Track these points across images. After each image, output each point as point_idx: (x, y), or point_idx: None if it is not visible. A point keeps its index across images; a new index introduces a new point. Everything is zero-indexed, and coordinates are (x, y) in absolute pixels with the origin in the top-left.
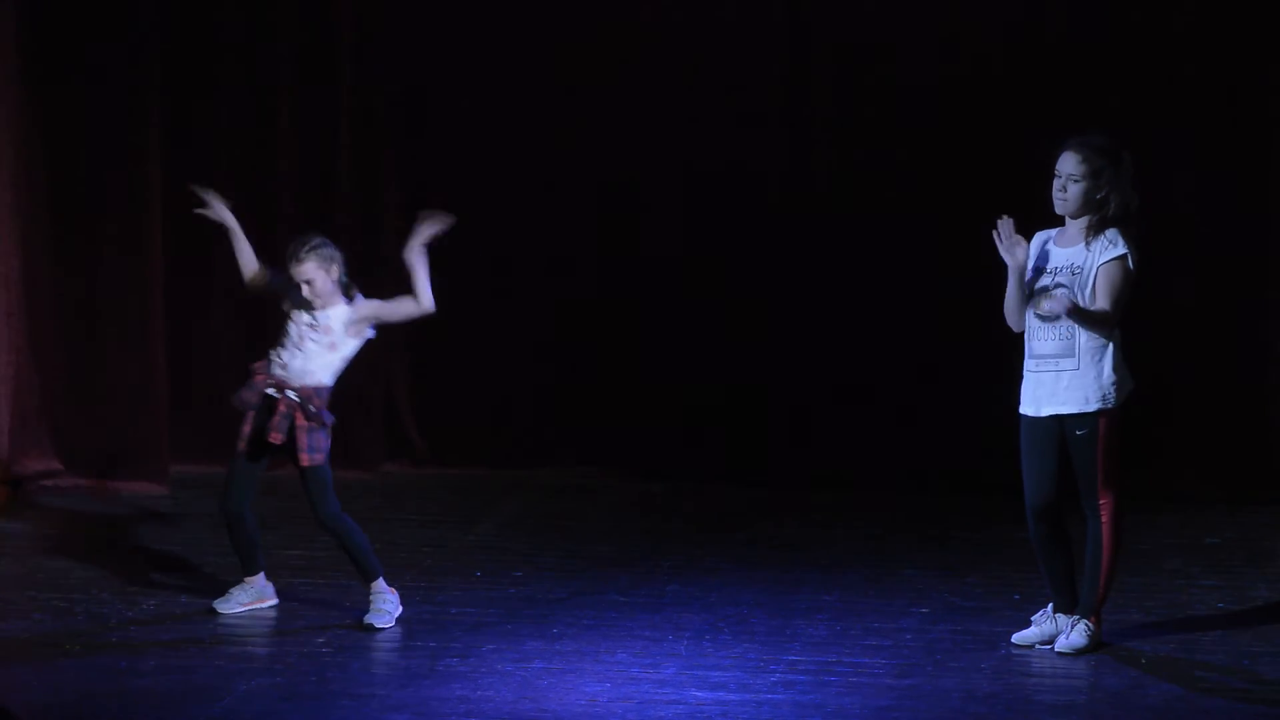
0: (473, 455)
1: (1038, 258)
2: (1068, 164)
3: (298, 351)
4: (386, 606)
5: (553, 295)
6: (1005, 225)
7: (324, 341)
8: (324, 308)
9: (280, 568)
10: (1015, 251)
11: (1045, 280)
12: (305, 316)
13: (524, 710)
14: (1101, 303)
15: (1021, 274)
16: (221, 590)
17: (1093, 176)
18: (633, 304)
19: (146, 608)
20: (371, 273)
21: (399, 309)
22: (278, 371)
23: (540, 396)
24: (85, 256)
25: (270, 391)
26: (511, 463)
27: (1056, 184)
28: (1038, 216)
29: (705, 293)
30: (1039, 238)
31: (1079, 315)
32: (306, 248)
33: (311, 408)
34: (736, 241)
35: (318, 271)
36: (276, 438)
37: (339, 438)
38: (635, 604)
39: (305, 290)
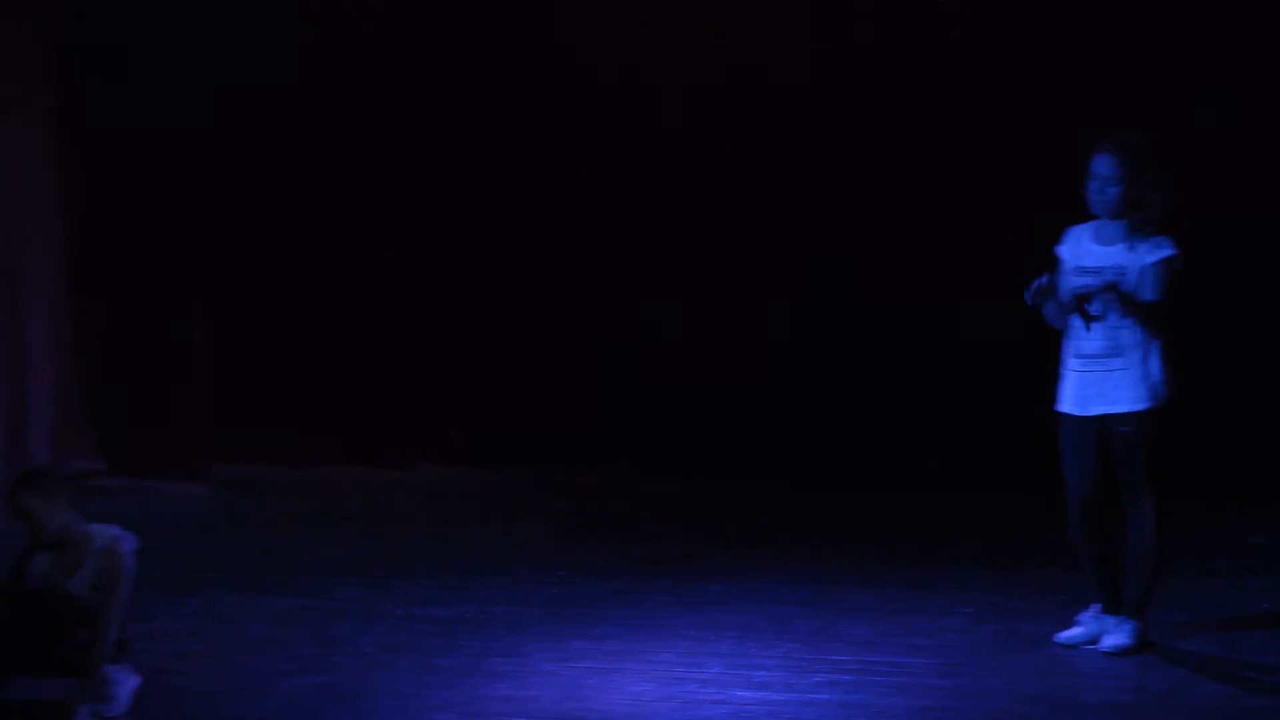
0: (514, 455)
1: (1076, 256)
2: (1103, 166)
3: None
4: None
5: (590, 296)
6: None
7: None
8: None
9: (324, 567)
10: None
11: (1086, 280)
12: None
13: (569, 710)
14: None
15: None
16: (263, 587)
17: (1130, 179)
18: (671, 305)
19: (190, 606)
20: None
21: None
22: None
23: (582, 396)
24: (126, 257)
25: None
26: (553, 462)
27: (1093, 186)
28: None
29: (741, 294)
30: (1074, 233)
31: (1130, 307)
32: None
33: None
34: (771, 244)
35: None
36: None
37: (378, 439)
38: (679, 603)
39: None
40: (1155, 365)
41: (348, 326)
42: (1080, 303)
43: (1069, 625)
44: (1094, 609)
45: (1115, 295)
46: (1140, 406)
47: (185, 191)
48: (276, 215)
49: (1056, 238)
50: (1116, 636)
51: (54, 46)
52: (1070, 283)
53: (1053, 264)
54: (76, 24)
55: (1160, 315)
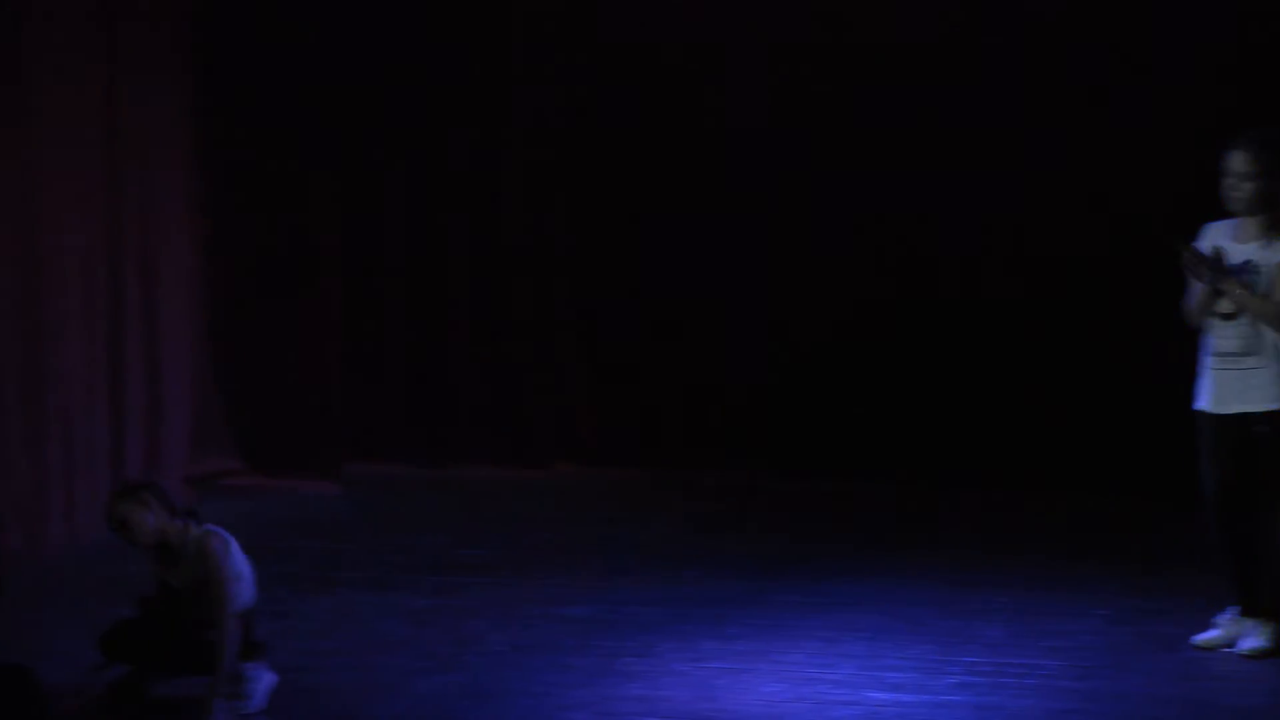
0: (647, 455)
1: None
2: (1237, 162)
3: None
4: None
5: (719, 298)
6: (1190, 255)
7: None
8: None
9: (457, 566)
10: (1200, 271)
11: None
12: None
13: (701, 710)
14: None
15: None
16: (397, 586)
17: (1265, 174)
18: (795, 307)
19: (324, 605)
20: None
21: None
22: None
23: (715, 396)
24: (262, 257)
25: None
26: (685, 463)
27: (1228, 183)
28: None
29: (873, 293)
30: (1211, 230)
31: (1258, 308)
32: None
33: None
34: (897, 247)
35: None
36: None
37: (514, 438)
38: (810, 604)
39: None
40: None
41: (483, 325)
42: (1212, 300)
43: (1206, 628)
44: (1231, 611)
45: (1243, 294)
46: (1277, 405)
47: (319, 189)
48: (407, 212)
49: (1195, 235)
50: (1254, 639)
51: (190, 44)
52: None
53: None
54: (209, 20)
55: None
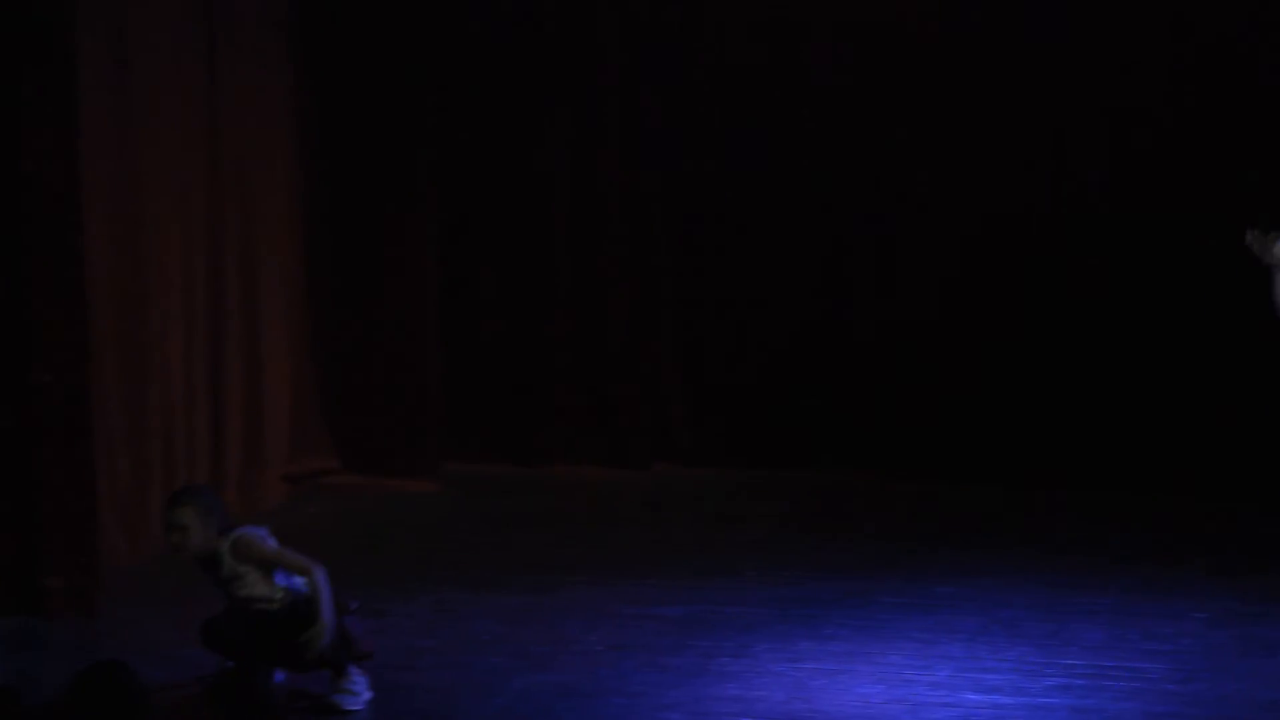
0: (742, 455)
1: None
2: None
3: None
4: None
5: (817, 299)
6: (1254, 236)
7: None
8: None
9: (554, 565)
10: (1271, 251)
11: None
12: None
13: (797, 710)
14: None
15: None
16: (493, 585)
17: None
18: (890, 307)
19: (422, 603)
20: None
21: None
22: None
23: (808, 397)
24: (362, 257)
25: None
26: (780, 462)
27: None
28: None
29: (962, 294)
30: None
31: None
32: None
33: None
34: (995, 245)
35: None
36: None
37: (610, 438)
38: (907, 605)
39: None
40: None
41: (580, 324)
42: None
43: None
44: None
45: None
46: None
47: (417, 191)
48: (504, 213)
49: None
50: None
51: (289, 40)
52: None
53: None
54: (308, 15)
55: None
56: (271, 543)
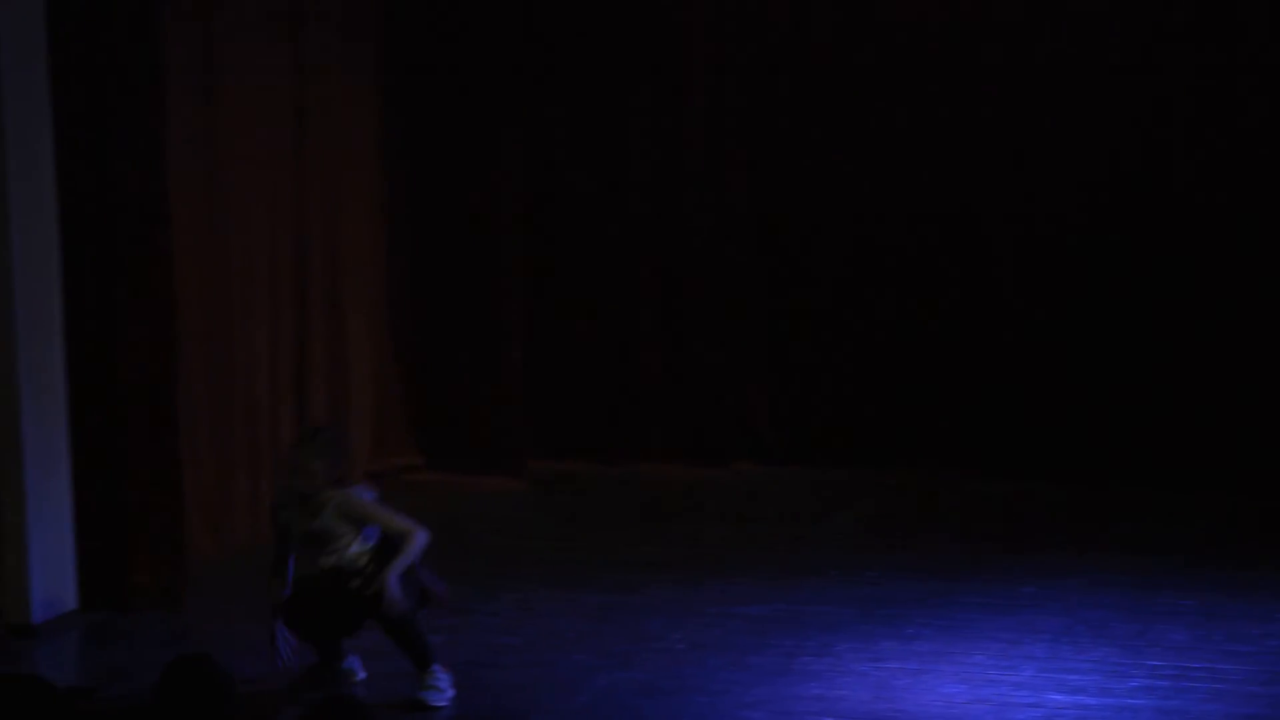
0: (825, 454)
1: None
2: None
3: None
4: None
5: (901, 298)
6: None
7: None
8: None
9: (637, 563)
10: None
11: None
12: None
13: (880, 710)
14: None
15: None
16: (577, 583)
17: None
18: (976, 306)
19: (506, 600)
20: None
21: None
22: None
23: (892, 396)
24: (446, 257)
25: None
26: (863, 461)
27: None
28: None
29: (1043, 295)
30: None
31: None
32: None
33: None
34: (1075, 243)
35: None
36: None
37: (692, 435)
38: (991, 605)
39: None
40: None
41: (665, 322)
42: None
43: None
44: None
45: None
46: None
47: (503, 186)
48: (590, 211)
49: None
50: None
51: (374, 33)
52: None
53: None
54: (398, 17)
55: None
56: (376, 503)
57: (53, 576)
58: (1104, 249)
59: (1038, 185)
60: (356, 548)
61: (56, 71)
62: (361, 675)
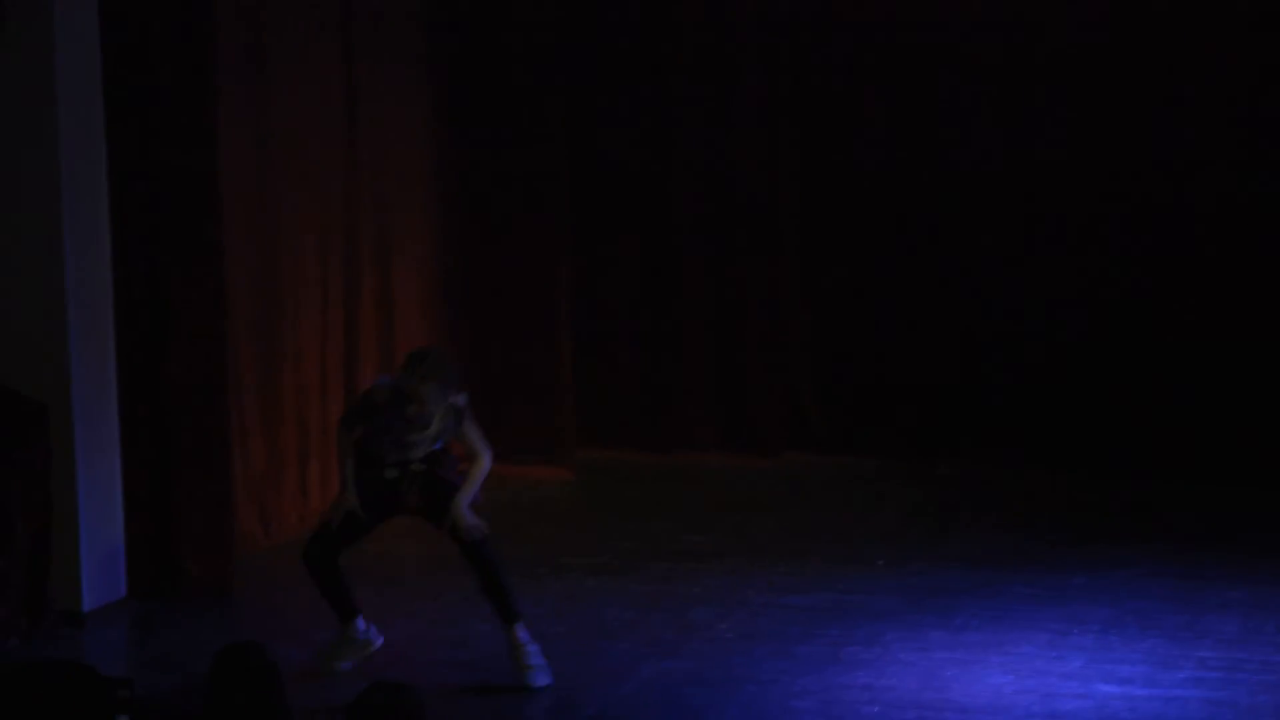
0: (876, 444)
1: None
2: None
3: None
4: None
5: (953, 289)
6: None
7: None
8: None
9: (684, 553)
10: None
11: None
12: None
13: (928, 699)
14: None
15: None
16: (623, 571)
17: None
18: (1023, 296)
19: (553, 589)
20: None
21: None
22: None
23: (939, 388)
24: (494, 251)
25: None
26: (914, 452)
27: None
28: None
29: (1092, 285)
30: None
31: None
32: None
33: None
34: (1121, 232)
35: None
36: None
37: (740, 424)
38: (1040, 596)
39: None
40: None
41: (713, 313)
42: None
43: None
44: None
45: None
46: None
47: (553, 178)
48: (637, 202)
49: None
50: None
51: (425, 26)
52: None
53: None
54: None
55: None
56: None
57: (102, 564)
58: (1151, 239)
59: (1089, 171)
60: (432, 437)
61: (109, 62)
62: (379, 641)
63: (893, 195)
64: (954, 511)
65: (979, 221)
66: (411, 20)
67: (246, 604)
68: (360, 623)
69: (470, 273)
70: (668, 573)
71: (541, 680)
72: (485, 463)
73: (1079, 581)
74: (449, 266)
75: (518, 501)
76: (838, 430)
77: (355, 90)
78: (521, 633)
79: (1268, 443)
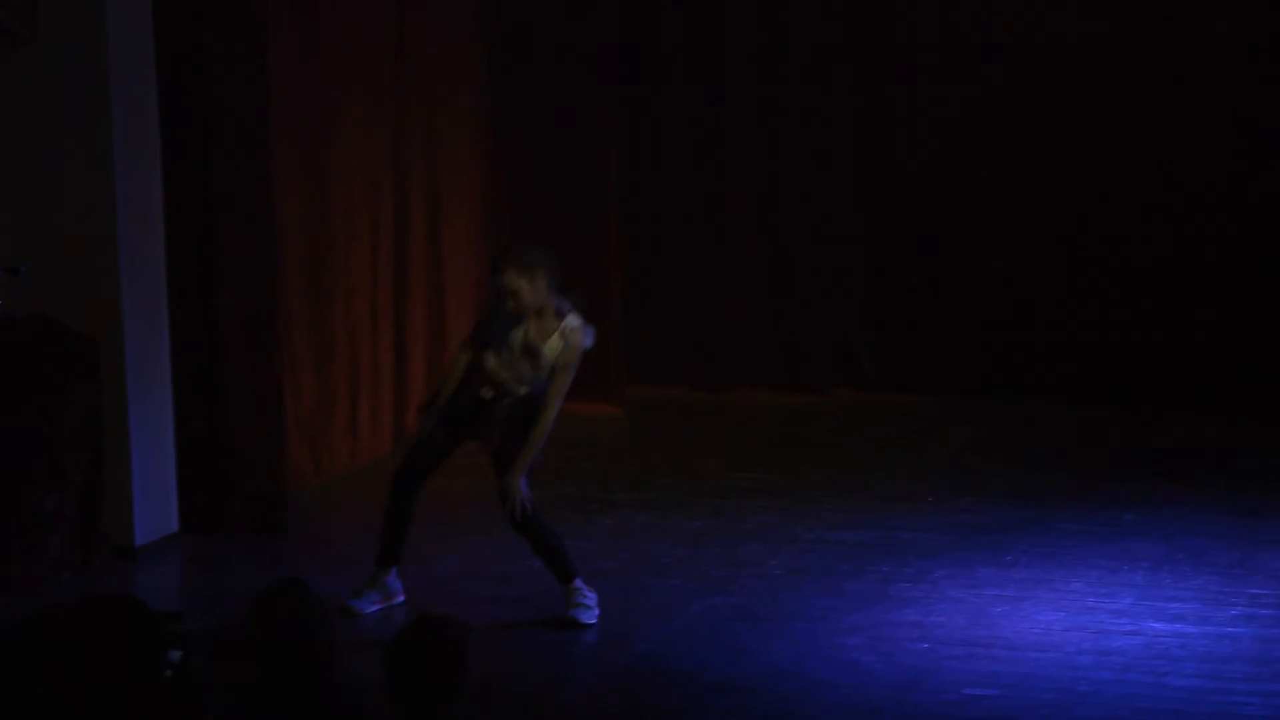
0: (923, 382)
1: None
2: None
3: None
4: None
5: (1005, 224)
6: None
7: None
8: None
9: (734, 489)
10: None
11: None
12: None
13: (977, 636)
14: None
15: None
16: (673, 508)
17: None
18: (1074, 232)
19: (603, 525)
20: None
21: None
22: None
23: (990, 326)
24: (542, 183)
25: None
26: (963, 389)
27: None
28: None
29: (1156, 221)
30: None
31: None
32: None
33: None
34: (1166, 174)
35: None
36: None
37: (790, 362)
38: (1090, 533)
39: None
40: None
41: (762, 248)
42: None
43: None
44: None
45: None
46: None
47: (601, 116)
48: (686, 137)
49: None
50: None
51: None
52: None
53: None
54: None
55: None
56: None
57: (155, 499)
58: (1194, 180)
59: (1138, 124)
60: (528, 377)
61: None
62: (400, 599)
63: (945, 134)
64: (1004, 449)
65: (1026, 164)
66: None
67: (297, 540)
68: (394, 575)
69: (517, 210)
70: (717, 509)
71: (587, 619)
72: (546, 422)
73: (1129, 518)
74: (497, 202)
75: (568, 438)
76: (887, 367)
77: (405, 23)
78: (578, 584)
79: None
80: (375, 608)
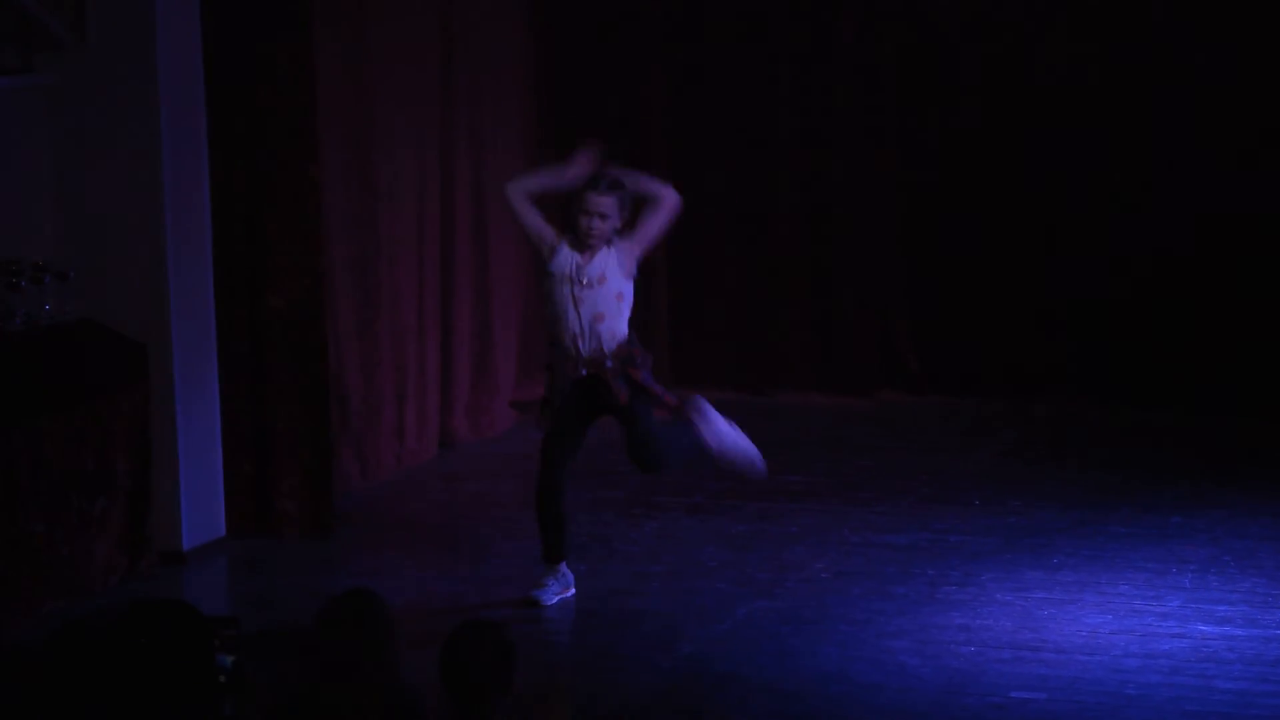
0: (972, 383)
1: None
2: None
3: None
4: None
5: (1049, 225)
6: None
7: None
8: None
9: (779, 493)
10: None
11: None
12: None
13: (1024, 639)
14: None
15: None
16: (719, 511)
17: None
18: (1120, 234)
19: (649, 529)
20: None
21: (656, 220)
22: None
23: (1036, 325)
24: None
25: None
26: (1010, 391)
27: None
28: None
29: (1203, 226)
30: None
31: None
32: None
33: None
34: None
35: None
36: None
37: (835, 364)
38: (1137, 535)
39: (588, 224)
40: None
41: (808, 250)
42: None
43: None
44: None
45: None
46: None
47: (647, 114)
48: (732, 139)
49: None
50: None
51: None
52: None
53: None
54: None
55: None
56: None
57: (202, 504)
58: (1257, 182)
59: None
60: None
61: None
62: (572, 590)
63: (984, 138)
64: (1050, 451)
65: (1082, 156)
66: None
67: (344, 544)
68: (564, 567)
69: (565, 208)
70: (762, 512)
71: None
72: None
73: (1176, 521)
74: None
75: (612, 439)
76: (933, 369)
77: (452, 29)
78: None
79: None
80: (556, 599)
